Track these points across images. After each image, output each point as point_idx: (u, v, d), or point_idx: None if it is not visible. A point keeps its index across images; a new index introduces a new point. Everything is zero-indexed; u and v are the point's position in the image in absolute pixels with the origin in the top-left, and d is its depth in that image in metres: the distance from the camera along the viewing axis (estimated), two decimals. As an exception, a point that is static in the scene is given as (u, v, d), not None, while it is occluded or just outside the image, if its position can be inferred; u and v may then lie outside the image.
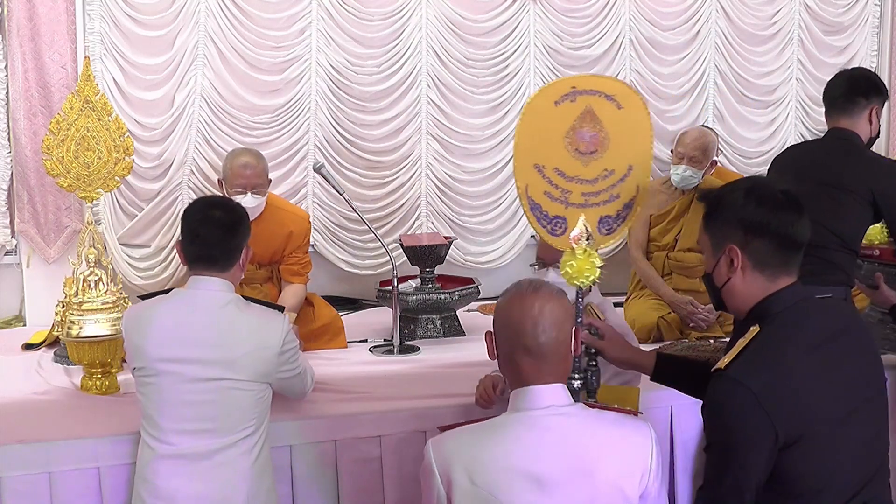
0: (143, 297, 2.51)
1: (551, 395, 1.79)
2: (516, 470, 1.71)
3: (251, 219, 3.64)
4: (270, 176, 4.40)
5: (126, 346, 2.43)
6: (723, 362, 1.86)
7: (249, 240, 3.66)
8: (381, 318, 4.08)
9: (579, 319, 2.21)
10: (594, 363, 2.25)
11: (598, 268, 2.18)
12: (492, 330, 1.89)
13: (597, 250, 2.17)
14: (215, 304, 2.35)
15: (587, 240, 2.15)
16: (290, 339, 2.43)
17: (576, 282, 2.18)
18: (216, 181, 3.86)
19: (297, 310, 3.71)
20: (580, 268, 2.14)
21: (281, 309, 2.53)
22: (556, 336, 1.80)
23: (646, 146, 2.31)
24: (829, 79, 5.32)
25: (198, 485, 2.29)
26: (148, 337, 2.34)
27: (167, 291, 2.51)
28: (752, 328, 1.89)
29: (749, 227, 1.91)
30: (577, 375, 2.23)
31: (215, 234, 2.38)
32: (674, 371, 2.18)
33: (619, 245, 4.95)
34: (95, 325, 3.05)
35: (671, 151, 4.32)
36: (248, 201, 3.59)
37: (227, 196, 3.64)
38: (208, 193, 4.33)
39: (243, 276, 2.56)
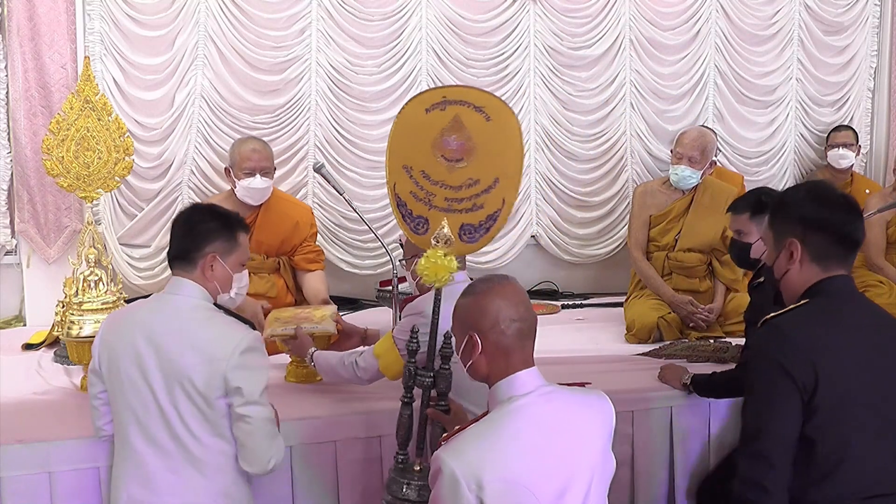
0: (128, 302, 2.51)
1: (533, 378, 1.90)
2: (536, 457, 1.80)
3: (259, 202, 3.71)
4: (286, 181, 4.43)
5: (96, 349, 2.35)
6: (769, 316, 2.06)
7: (255, 229, 3.70)
8: (381, 318, 4.07)
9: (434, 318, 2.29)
10: (447, 367, 2.28)
11: (452, 271, 2.21)
12: (474, 335, 1.90)
13: (454, 255, 2.21)
14: (183, 310, 2.27)
15: (445, 243, 2.21)
16: (250, 361, 2.20)
17: (430, 281, 2.23)
18: (223, 170, 3.90)
19: (328, 292, 3.79)
20: (434, 269, 2.19)
21: (254, 326, 2.35)
22: (534, 314, 1.95)
23: (515, 161, 2.32)
24: (829, 79, 5.39)
25: (155, 498, 2.23)
26: (122, 338, 2.29)
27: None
28: (802, 300, 2.07)
29: (809, 223, 2.07)
30: (430, 374, 2.28)
31: (177, 231, 2.38)
32: None
33: (620, 245, 4.95)
34: (95, 325, 3.04)
35: (671, 151, 4.33)
36: (258, 182, 3.66)
37: (234, 182, 3.70)
38: (208, 193, 4.34)
39: (234, 287, 2.41)
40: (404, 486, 2.29)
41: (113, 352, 2.30)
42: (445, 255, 2.19)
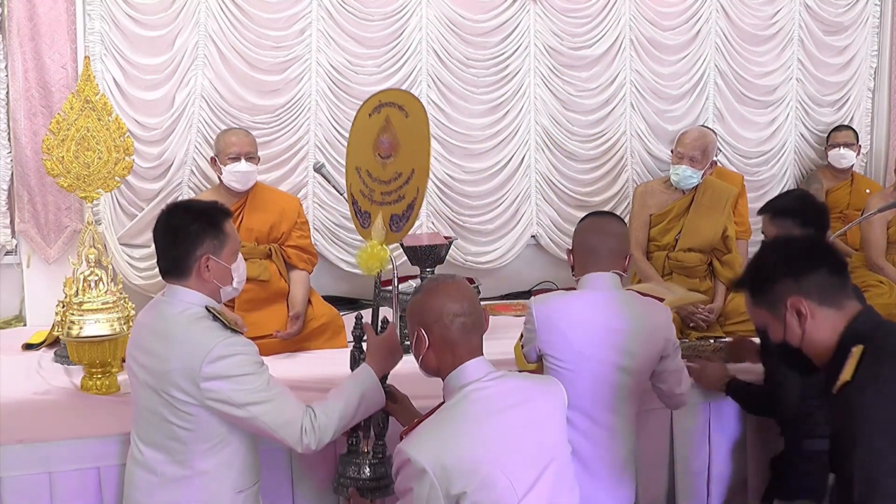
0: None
1: (482, 366, 2.01)
2: (496, 437, 1.89)
3: (246, 186, 3.76)
4: (270, 175, 4.43)
5: None
6: (843, 378, 1.81)
7: (244, 216, 3.72)
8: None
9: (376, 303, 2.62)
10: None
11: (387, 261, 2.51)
12: (420, 330, 2.03)
13: (387, 245, 2.50)
14: (168, 314, 2.24)
15: (380, 235, 2.46)
16: (224, 366, 2.13)
17: (367, 271, 2.48)
18: (209, 159, 3.93)
19: (307, 297, 3.80)
20: (369, 258, 2.46)
21: (239, 334, 2.25)
22: (479, 310, 2.07)
23: (424, 152, 2.49)
24: (829, 79, 5.39)
25: (145, 499, 2.24)
26: (129, 339, 2.35)
27: None
28: (853, 350, 1.85)
29: (798, 270, 1.91)
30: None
31: (161, 241, 2.30)
32: None
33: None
34: (95, 325, 3.05)
35: (671, 151, 4.33)
36: (243, 166, 3.71)
37: (221, 170, 3.73)
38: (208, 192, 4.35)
39: (234, 280, 2.36)
40: (352, 467, 2.49)
41: (126, 352, 2.35)
42: (381, 244, 2.46)
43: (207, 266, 2.26)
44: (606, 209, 4.99)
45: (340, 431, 2.30)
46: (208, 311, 2.23)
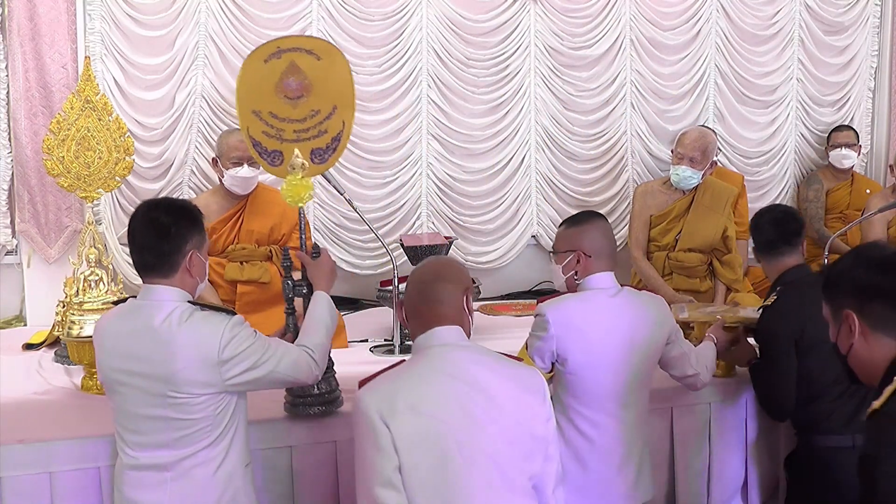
0: (115, 303, 2.46)
1: (454, 333, 2.07)
2: (447, 393, 1.95)
3: (246, 191, 3.77)
4: (270, 175, 4.44)
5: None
6: (874, 405, 1.79)
7: (245, 218, 3.72)
8: (382, 318, 4.08)
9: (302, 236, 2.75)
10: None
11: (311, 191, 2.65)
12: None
13: (310, 176, 2.65)
14: (156, 317, 2.22)
15: (301, 168, 2.58)
16: (235, 345, 2.22)
17: (294, 202, 2.59)
18: (210, 160, 3.93)
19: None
20: (295, 191, 2.57)
21: (232, 313, 2.32)
22: (451, 286, 2.12)
23: (346, 89, 2.74)
24: (829, 79, 5.39)
25: (159, 496, 2.25)
26: (101, 348, 2.30)
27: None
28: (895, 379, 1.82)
29: (861, 290, 1.87)
30: (303, 285, 2.66)
31: (149, 237, 2.28)
32: None
33: (620, 245, 4.94)
34: (96, 325, 3.05)
35: (671, 151, 4.33)
36: (246, 172, 3.72)
37: (223, 172, 3.73)
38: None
39: (206, 277, 2.40)
40: (304, 387, 2.67)
41: (99, 364, 2.31)
42: (302, 177, 2.57)
43: (192, 262, 2.29)
44: (606, 209, 5.00)
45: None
46: (193, 304, 2.28)
